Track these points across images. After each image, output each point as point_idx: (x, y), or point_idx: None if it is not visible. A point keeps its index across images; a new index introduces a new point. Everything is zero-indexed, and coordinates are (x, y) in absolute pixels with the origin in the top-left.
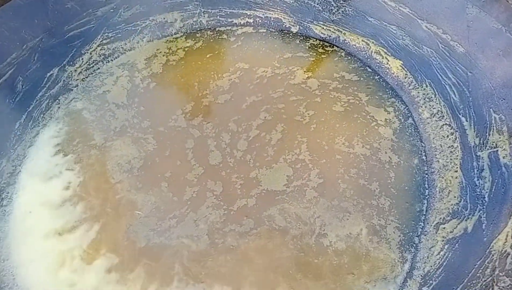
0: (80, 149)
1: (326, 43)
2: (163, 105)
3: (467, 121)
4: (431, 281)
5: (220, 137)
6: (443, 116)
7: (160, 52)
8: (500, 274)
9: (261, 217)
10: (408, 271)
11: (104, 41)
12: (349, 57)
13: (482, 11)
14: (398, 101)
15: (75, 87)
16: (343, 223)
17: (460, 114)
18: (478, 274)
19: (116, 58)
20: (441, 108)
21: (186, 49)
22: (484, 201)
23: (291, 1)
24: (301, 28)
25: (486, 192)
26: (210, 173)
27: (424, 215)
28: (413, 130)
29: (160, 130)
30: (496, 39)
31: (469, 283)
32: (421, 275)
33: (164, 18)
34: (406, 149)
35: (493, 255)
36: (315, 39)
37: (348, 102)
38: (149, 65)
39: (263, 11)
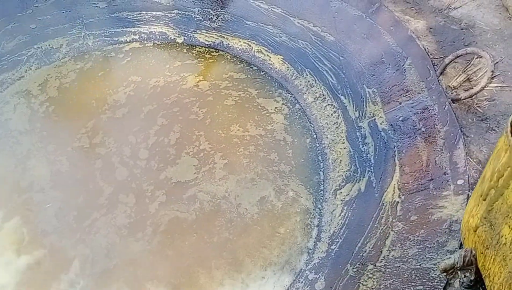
0: None
1: (211, 49)
2: (65, 126)
3: (346, 98)
4: (337, 240)
5: (122, 151)
6: (325, 98)
7: (51, 76)
8: (394, 220)
9: (179, 203)
10: (316, 235)
11: None
12: (235, 59)
13: (344, 2)
14: (285, 91)
15: None
16: (252, 191)
17: (339, 94)
18: (375, 225)
19: (6, 88)
20: (322, 92)
21: (77, 71)
22: (371, 163)
23: (173, 15)
24: (185, 38)
25: (371, 155)
26: (120, 189)
27: (323, 184)
28: (301, 114)
29: (68, 151)
30: (359, 25)
31: (369, 234)
32: (328, 237)
33: (49, 45)
34: (298, 130)
35: (385, 206)
36: (200, 47)
37: (239, 97)
38: (44, 90)
39: (147, 26)
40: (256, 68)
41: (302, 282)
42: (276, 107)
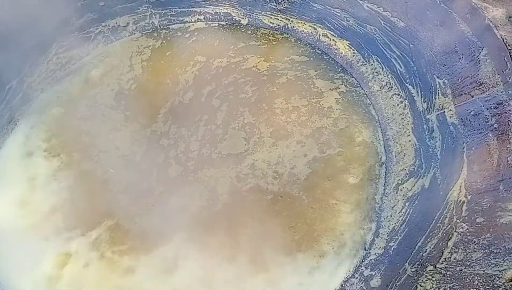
0: (64, 146)
1: (276, 32)
2: (146, 106)
3: (414, 88)
4: (396, 237)
5: (178, 146)
6: (392, 87)
7: (133, 51)
8: (458, 221)
9: (238, 175)
10: (374, 231)
11: (59, 50)
12: (299, 42)
13: None
14: (348, 76)
15: (34, 98)
16: (303, 152)
17: (407, 83)
18: (438, 224)
19: (73, 64)
20: (389, 80)
21: (150, 48)
22: (437, 159)
23: None
24: (250, 20)
25: (438, 150)
26: (175, 185)
27: (384, 178)
28: (364, 100)
29: (145, 134)
30: (432, 11)
31: (431, 233)
32: (386, 233)
33: (116, 23)
34: (357, 118)
35: (450, 205)
36: (265, 29)
37: (295, 76)
38: (131, 67)
39: (212, 7)
40: (320, 52)
41: (357, 277)
42: (331, 88)
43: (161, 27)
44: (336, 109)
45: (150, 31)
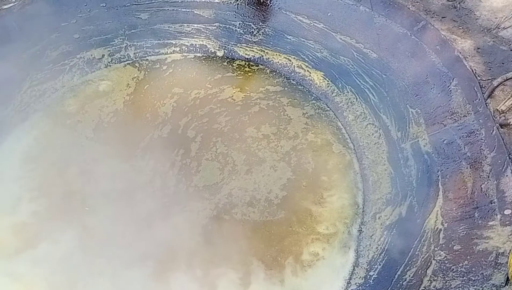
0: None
1: (251, 63)
2: (125, 140)
3: (388, 118)
4: (376, 266)
5: (154, 182)
6: (366, 117)
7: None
8: (436, 249)
9: (217, 207)
10: (354, 260)
11: (33, 83)
12: (274, 73)
13: (388, 19)
14: (321, 103)
15: (7, 133)
16: (278, 176)
17: (381, 113)
18: (417, 252)
19: (48, 97)
20: (363, 110)
21: (134, 79)
22: (413, 187)
23: (214, 28)
24: (226, 51)
25: (413, 178)
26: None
27: (362, 207)
28: (336, 123)
29: (124, 168)
30: (403, 42)
31: (410, 262)
32: (366, 262)
33: (91, 55)
34: (329, 143)
35: (427, 233)
36: (241, 60)
37: (267, 105)
38: (113, 99)
39: (188, 39)
40: (295, 82)
41: None
42: (299, 114)
43: (137, 58)
44: (304, 133)
45: (127, 62)
